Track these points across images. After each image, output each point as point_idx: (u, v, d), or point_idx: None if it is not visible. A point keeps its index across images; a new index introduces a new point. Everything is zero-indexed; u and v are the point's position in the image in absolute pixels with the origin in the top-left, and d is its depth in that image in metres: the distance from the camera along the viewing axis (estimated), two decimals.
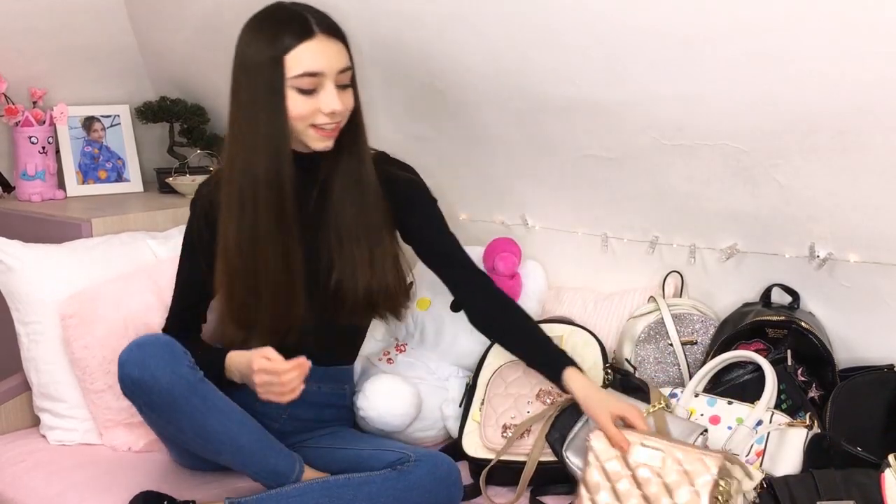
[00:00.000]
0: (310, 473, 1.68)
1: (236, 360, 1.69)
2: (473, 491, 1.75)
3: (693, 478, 1.45)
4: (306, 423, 1.84)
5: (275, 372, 1.58)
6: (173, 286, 1.85)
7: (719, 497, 1.44)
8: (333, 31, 1.64)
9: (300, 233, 1.71)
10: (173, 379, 1.55)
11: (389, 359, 2.03)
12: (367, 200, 1.74)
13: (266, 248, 1.68)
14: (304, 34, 1.60)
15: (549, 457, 1.72)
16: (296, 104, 1.61)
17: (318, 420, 1.86)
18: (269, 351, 1.61)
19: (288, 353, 1.62)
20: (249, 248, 1.68)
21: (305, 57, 1.60)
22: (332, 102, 1.62)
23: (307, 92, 1.61)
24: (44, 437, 1.97)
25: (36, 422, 2.02)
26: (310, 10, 1.65)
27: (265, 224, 1.67)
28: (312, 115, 1.62)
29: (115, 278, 1.96)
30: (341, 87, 1.64)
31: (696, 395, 1.75)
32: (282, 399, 1.60)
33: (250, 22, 1.68)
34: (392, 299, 1.81)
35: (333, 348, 1.86)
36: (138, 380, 1.55)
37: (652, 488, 1.47)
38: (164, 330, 1.83)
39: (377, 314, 1.84)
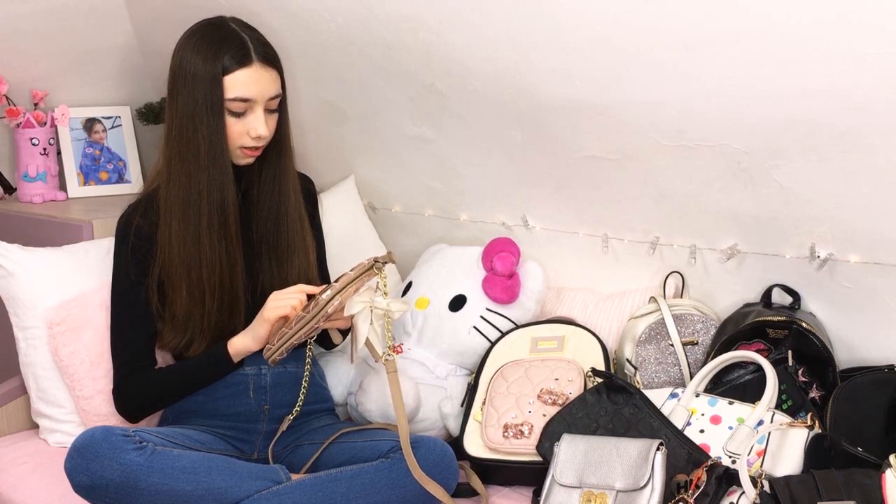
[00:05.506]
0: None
1: (240, 335, 1.76)
2: (473, 489, 1.75)
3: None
4: (290, 408, 1.82)
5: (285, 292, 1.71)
6: (110, 336, 1.83)
7: (379, 282, 1.70)
8: (270, 59, 1.75)
9: (240, 242, 1.79)
10: (124, 471, 1.50)
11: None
12: (283, 216, 1.84)
13: (211, 255, 1.74)
14: (243, 60, 1.71)
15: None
16: (227, 124, 1.72)
17: (303, 403, 1.83)
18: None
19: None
20: (194, 255, 1.74)
21: (240, 83, 1.71)
22: (259, 127, 1.74)
23: (237, 114, 1.73)
24: (44, 440, 1.96)
25: (37, 423, 2.01)
26: (251, 35, 1.75)
27: (207, 231, 1.74)
28: (240, 137, 1.75)
29: (107, 283, 1.91)
30: (269, 111, 1.76)
31: (697, 396, 1.75)
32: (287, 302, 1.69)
33: (192, 33, 1.75)
34: None
35: None
36: (90, 487, 1.51)
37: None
38: (116, 382, 1.81)
39: None
